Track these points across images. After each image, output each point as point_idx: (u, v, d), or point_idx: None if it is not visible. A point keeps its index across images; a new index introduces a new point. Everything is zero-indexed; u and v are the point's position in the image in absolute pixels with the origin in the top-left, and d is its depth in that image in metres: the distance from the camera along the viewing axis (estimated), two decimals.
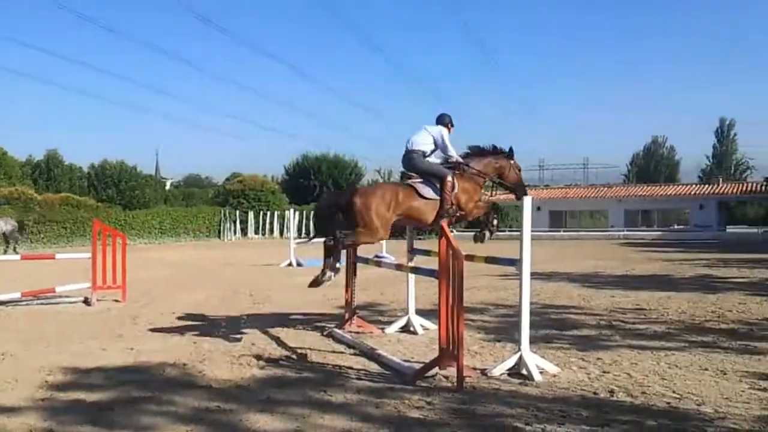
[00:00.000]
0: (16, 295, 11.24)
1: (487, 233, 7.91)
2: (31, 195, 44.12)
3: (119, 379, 6.04)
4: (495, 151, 8.00)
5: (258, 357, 6.85)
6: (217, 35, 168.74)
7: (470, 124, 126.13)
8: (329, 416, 4.76)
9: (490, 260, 6.83)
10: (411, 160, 7.69)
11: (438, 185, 7.50)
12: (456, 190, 7.53)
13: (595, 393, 5.36)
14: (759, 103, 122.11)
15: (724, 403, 5.04)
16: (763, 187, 46.97)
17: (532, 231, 6.07)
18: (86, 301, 11.37)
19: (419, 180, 7.60)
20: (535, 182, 73.49)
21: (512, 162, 8.04)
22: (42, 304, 11.38)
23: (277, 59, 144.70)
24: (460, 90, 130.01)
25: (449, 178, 7.50)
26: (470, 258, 6.60)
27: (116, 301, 11.57)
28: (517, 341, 6.00)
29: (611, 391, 5.38)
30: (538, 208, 48.57)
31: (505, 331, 8.03)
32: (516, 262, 5.99)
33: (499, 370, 5.96)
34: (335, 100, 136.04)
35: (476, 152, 7.94)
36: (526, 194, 7.53)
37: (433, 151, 7.82)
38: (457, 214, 7.66)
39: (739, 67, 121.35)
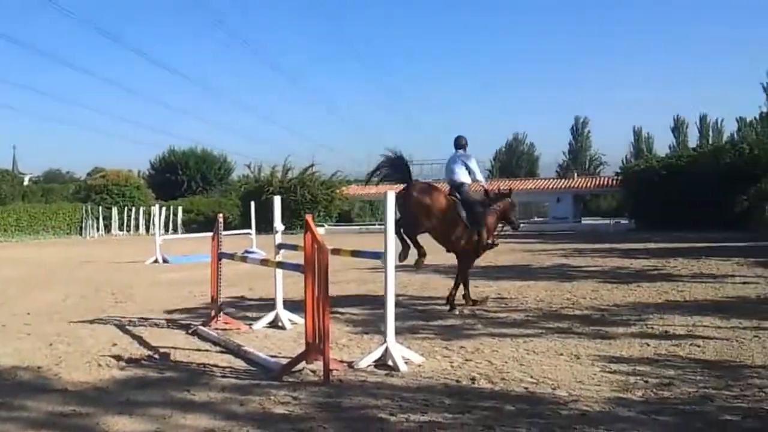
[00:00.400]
0: None
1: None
2: None
3: None
4: (503, 194, 10.02)
5: (118, 358, 6.58)
6: (79, 26, 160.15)
7: (336, 120, 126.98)
8: (192, 416, 4.64)
9: (356, 254, 6.90)
10: (462, 193, 9.23)
11: (473, 218, 9.05)
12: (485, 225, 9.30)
13: (457, 381, 5.51)
14: (610, 102, 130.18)
15: (578, 386, 5.28)
16: (615, 181, 49.75)
17: None
18: None
19: (463, 207, 9.04)
20: None
21: (509, 200, 9.97)
22: None
23: (140, 52, 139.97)
24: (332, 86, 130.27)
25: (488, 216, 9.38)
26: (337, 252, 6.66)
27: None
28: (384, 333, 6.08)
29: (473, 379, 5.55)
30: None
31: (372, 323, 8.12)
32: (381, 255, 6.06)
33: (366, 362, 6.01)
34: (202, 94, 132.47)
35: (494, 196, 9.84)
36: (520, 225, 10.65)
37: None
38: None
39: (593, 67, 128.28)
